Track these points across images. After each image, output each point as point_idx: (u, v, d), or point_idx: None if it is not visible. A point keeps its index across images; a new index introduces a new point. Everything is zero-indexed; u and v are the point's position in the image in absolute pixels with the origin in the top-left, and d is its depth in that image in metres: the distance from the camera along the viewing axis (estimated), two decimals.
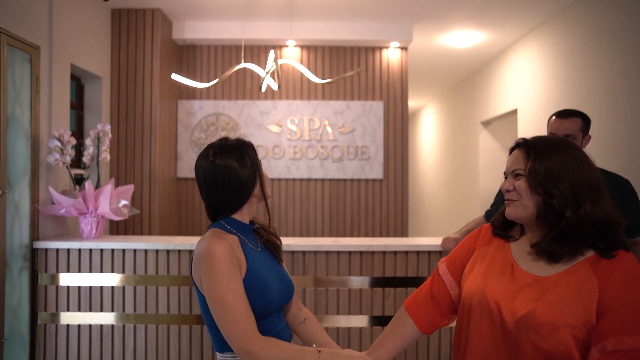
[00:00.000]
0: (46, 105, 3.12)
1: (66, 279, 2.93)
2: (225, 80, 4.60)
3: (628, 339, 1.01)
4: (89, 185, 3.01)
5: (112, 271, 2.91)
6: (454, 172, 6.84)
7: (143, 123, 4.01)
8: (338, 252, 2.88)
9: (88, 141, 3.18)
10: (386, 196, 4.57)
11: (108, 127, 3.24)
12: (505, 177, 1.22)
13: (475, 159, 5.91)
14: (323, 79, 4.55)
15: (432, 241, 2.98)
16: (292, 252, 2.87)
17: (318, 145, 4.55)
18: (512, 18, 4.17)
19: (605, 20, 3.34)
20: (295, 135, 4.56)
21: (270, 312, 1.35)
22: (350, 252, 2.87)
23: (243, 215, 1.41)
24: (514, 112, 4.95)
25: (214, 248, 1.25)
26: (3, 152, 2.72)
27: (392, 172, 4.59)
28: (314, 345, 1.34)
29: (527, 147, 1.17)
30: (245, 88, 4.60)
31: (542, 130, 4.13)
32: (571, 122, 2.12)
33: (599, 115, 3.36)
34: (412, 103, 8.23)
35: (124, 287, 2.90)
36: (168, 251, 2.88)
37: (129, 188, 3.26)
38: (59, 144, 2.96)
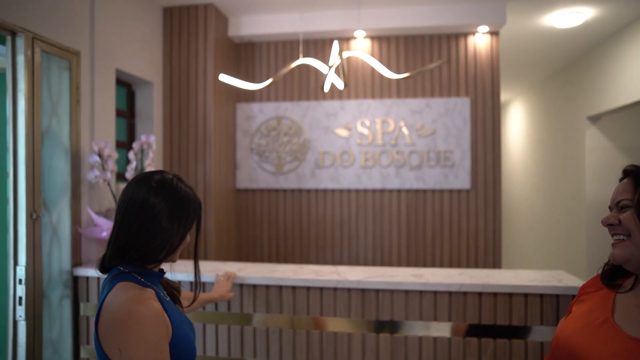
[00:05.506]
0: (88, 117, 2.82)
1: None
2: (287, 79, 4.13)
3: None
4: None
5: None
6: (552, 178, 5.89)
7: (197, 130, 3.64)
8: (420, 292, 2.28)
9: (131, 155, 2.84)
10: (474, 210, 3.86)
11: (152, 139, 2.89)
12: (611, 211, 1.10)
13: (580, 162, 4.98)
14: (398, 73, 3.92)
15: (544, 277, 2.28)
16: (364, 290, 2.31)
17: (393, 151, 3.94)
18: None
19: None
20: (367, 139, 3.98)
21: None
22: (435, 292, 2.26)
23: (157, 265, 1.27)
24: (636, 104, 4.02)
25: (143, 313, 1.08)
26: (37, 172, 2.42)
27: (481, 181, 3.87)
28: None
29: (636, 176, 1.05)
30: (310, 87, 4.10)
31: None
32: None
33: None
34: None
35: None
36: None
37: None
38: (98, 159, 2.64)
